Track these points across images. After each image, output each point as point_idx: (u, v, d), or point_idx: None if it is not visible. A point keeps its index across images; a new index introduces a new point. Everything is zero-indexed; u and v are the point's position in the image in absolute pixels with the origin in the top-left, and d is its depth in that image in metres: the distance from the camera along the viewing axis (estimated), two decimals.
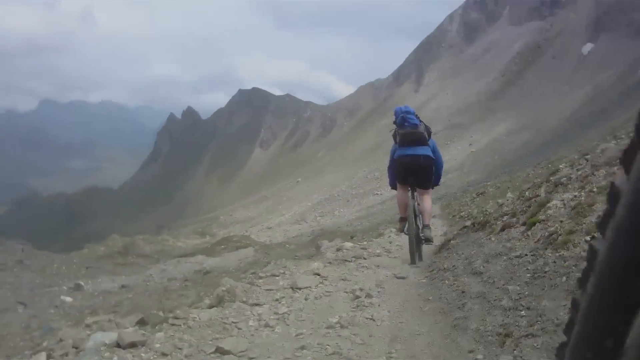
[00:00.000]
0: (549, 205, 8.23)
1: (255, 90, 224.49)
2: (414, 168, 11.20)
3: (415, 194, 11.50)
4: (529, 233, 7.84)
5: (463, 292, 7.31)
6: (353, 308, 7.85)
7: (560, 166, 12.06)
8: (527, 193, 11.12)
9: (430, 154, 11.25)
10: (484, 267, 7.71)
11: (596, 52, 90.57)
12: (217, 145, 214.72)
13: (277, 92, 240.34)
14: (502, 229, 9.08)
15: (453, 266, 8.86)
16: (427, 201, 11.45)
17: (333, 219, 71.71)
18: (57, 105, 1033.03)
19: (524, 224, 8.48)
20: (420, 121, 11.38)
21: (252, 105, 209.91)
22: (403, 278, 9.59)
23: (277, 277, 10.57)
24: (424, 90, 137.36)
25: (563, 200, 8.10)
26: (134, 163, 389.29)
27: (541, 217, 7.99)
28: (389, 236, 17.91)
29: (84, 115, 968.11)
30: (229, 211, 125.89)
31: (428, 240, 11.30)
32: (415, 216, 11.22)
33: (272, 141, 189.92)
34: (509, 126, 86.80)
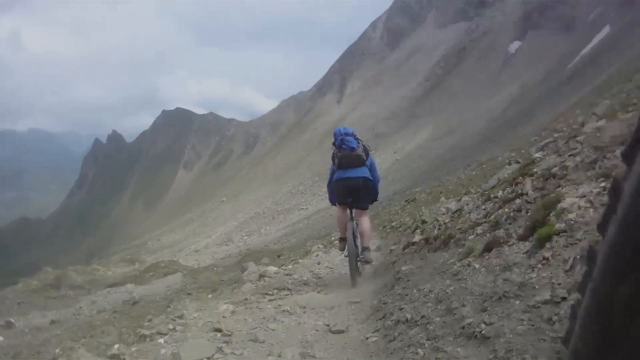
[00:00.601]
0: (561, 206, 5.71)
1: (178, 110, 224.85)
2: (352, 190, 11.21)
3: (354, 214, 11.55)
4: (546, 255, 5.02)
5: None
6: None
7: (536, 155, 10.68)
8: (500, 193, 9.44)
9: (368, 174, 11.29)
10: (485, 323, 4.65)
11: (523, 50, 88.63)
12: (142, 168, 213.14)
13: (201, 111, 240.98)
14: (488, 249, 6.60)
15: (422, 317, 5.92)
16: (366, 223, 11.33)
17: (260, 238, 71.28)
18: None
19: (524, 238, 6.04)
20: (359, 141, 11.48)
21: (176, 126, 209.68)
22: (341, 332, 7.51)
23: (161, 339, 8.37)
24: (347, 100, 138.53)
25: (585, 196, 5.66)
26: (63, 191, 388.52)
27: (558, 226, 5.40)
28: (317, 255, 16.98)
29: (12, 145, 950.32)
30: (156, 236, 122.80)
31: (367, 262, 11.34)
32: (355, 237, 11.15)
33: (196, 161, 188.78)
34: (433, 131, 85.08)
